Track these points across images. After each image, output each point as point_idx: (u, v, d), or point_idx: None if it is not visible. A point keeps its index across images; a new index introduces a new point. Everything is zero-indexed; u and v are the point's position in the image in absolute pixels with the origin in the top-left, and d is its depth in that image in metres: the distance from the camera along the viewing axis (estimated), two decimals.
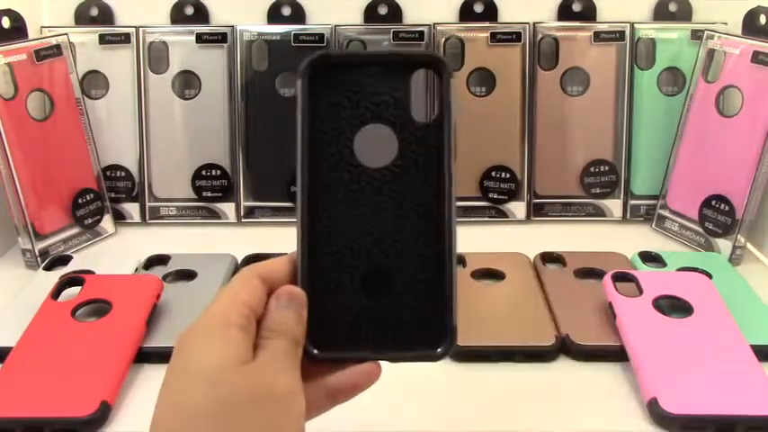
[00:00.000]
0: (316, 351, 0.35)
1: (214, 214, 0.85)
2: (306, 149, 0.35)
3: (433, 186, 0.35)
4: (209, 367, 0.31)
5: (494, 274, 0.68)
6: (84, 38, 0.82)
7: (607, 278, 0.62)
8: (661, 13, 0.86)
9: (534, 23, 0.82)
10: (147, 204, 0.84)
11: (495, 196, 0.83)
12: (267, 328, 0.34)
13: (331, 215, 0.35)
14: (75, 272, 0.68)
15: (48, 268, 0.71)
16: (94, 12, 0.87)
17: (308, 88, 0.35)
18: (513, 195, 0.83)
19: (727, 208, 0.73)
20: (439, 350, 0.34)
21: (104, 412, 0.50)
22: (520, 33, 0.82)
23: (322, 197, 0.35)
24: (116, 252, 0.78)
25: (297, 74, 0.35)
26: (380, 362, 0.36)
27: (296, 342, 0.34)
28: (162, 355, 0.57)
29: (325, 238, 0.35)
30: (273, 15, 0.86)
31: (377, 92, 0.35)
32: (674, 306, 0.59)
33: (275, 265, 0.36)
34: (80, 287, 0.63)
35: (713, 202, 0.75)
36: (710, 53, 0.76)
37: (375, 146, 0.35)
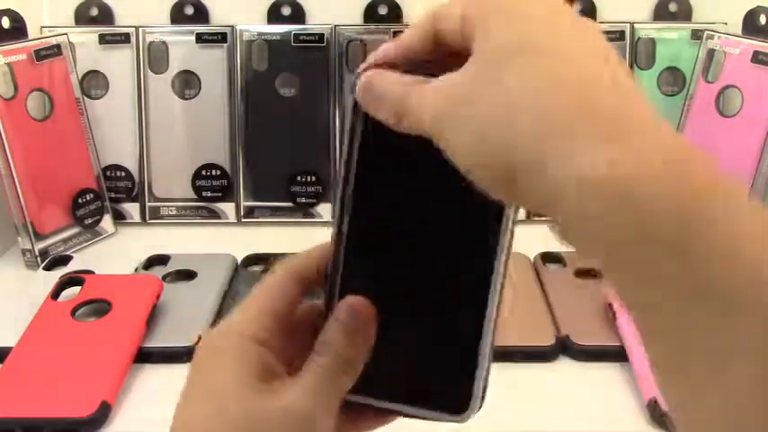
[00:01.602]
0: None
1: (214, 214, 0.85)
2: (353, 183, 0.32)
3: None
4: (219, 388, 0.29)
5: None
6: (84, 38, 0.82)
7: None
8: (661, 14, 0.85)
9: None
10: (147, 204, 0.84)
11: None
12: (317, 343, 0.30)
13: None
14: (75, 272, 0.68)
15: (48, 268, 0.71)
16: (94, 12, 0.87)
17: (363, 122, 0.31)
18: None
19: None
20: (464, 414, 0.32)
21: (104, 412, 0.50)
22: None
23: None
24: (116, 252, 0.78)
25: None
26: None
27: (346, 363, 0.30)
28: (162, 355, 0.57)
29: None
30: (273, 15, 0.86)
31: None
32: None
33: (311, 259, 0.32)
34: (80, 287, 0.63)
35: None
36: (710, 53, 0.76)
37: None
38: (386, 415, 0.33)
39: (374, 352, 0.32)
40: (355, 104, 0.31)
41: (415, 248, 0.32)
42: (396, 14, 0.86)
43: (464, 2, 0.27)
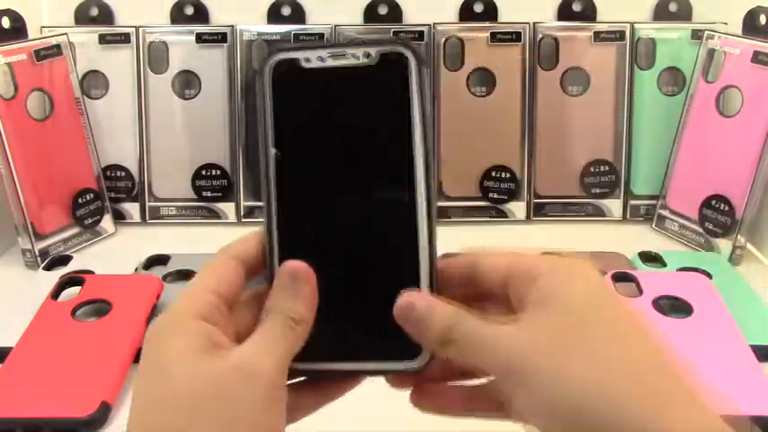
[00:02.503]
0: (292, 363, 0.32)
1: (214, 214, 0.85)
2: (271, 145, 0.33)
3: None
4: (163, 360, 0.30)
5: None
6: (84, 38, 0.82)
7: (607, 278, 0.62)
8: (661, 13, 0.85)
9: (534, 23, 0.82)
10: (147, 204, 0.84)
11: (496, 196, 0.83)
12: (263, 311, 0.32)
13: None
14: (75, 272, 0.68)
15: (48, 268, 0.71)
16: (94, 12, 0.87)
17: (271, 85, 0.33)
18: (514, 195, 0.83)
19: (727, 208, 0.73)
20: (420, 357, 0.32)
21: (104, 412, 0.50)
22: (520, 33, 0.81)
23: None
24: (116, 252, 0.78)
25: (259, 72, 0.33)
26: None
27: (294, 321, 0.31)
28: None
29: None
30: (273, 15, 0.86)
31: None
32: (674, 306, 0.59)
33: (253, 244, 0.34)
34: (80, 287, 0.63)
35: (713, 202, 0.75)
36: (711, 53, 0.76)
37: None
38: (348, 379, 0.34)
39: (321, 316, 0.32)
40: (260, 77, 0.33)
41: (339, 203, 0.33)
42: (396, 14, 0.86)
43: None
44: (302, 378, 0.34)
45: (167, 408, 0.29)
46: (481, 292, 0.33)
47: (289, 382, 0.32)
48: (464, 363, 0.31)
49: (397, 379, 0.34)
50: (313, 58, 0.33)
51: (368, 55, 0.33)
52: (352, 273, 0.33)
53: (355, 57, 0.33)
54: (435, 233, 0.33)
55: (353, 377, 0.34)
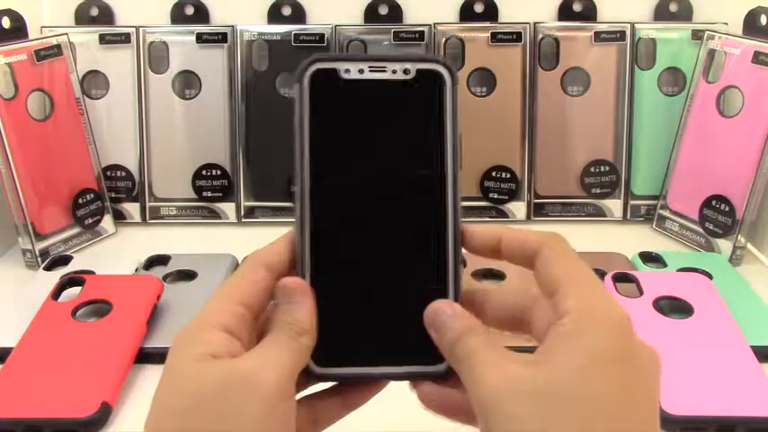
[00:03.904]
0: (317, 368, 0.33)
1: (214, 214, 0.85)
2: (307, 153, 0.34)
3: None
4: (176, 369, 0.30)
5: (494, 275, 0.68)
6: (85, 38, 0.82)
7: (607, 279, 0.62)
8: (661, 14, 0.85)
9: (535, 23, 0.82)
10: (148, 204, 0.84)
11: (496, 196, 0.83)
12: (271, 321, 0.33)
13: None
14: (75, 272, 0.68)
15: (48, 268, 0.71)
16: (94, 12, 0.87)
17: (309, 93, 0.34)
18: (514, 195, 0.83)
19: (727, 208, 0.73)
20: (440, 367, 0.33)
21: (105, 413, 0.50)
22: (520, 33, 0.81)
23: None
24: (116, 252, 0.78)
25: (295, 77, 0.34)
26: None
27: (297, 333, 0.32)
28: (163, 356, 0.56)
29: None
30: (273, 15, 0.86)
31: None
32: (674, 307, 0.59)
33: (280, 247, 0.34)
34: (80, 287, 0.63)
35: (713, 203, 0.75)
36: (711, 53, 0.76)
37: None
38: (371, 385, 0.35)
39: (348, 320, 0.33)
40: (299, 84, 0.33)
41: (372, 213, 0.34)
42: (396, 14, 0.86)
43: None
44: (325, 385, 0.34)
45: (170, 414, 0.29)
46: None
47: (308, 389, 0.33)
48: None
49: (421, 384, 0.34)
50: (353, 70, 0.34)
51: (406, 71, 0.34)
52: (382, 280, 0.34)
53: (394, 71, 0.34)
54: (461, 246, 0.34)
55: (378, 382, 0.34)
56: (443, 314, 0.32)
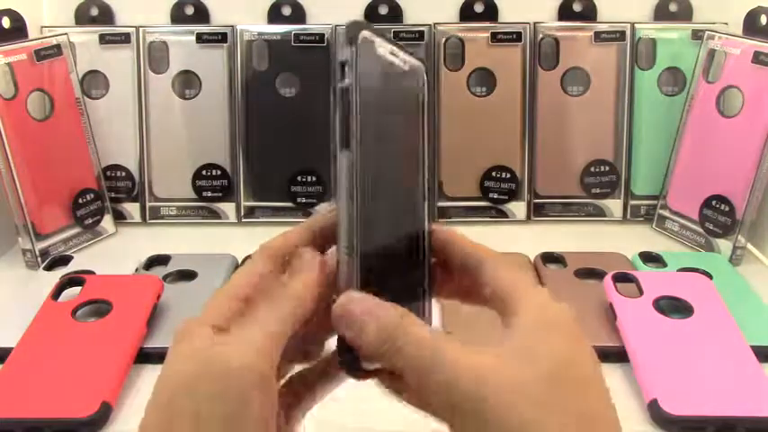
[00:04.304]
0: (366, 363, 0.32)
1: (214, 214, 0.85)
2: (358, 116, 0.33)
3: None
4: (164, 367, 0.31)
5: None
6: (85, 38, 0.82)
7: (608, 279, 0.62)
8: (661, 13, 0.85)
9: (535, 23, 0.82)
10: (148, 204, 0.84)
11: (496, 196, 0.83)
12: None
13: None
14: (75, 272, 0.68)
15: (48, 268, 0.71)
16: (94, 12, 0.87)
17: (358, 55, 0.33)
18: (514, 195, 0.83)
19: (727, 208, 0.73)
20: None
21: (105, 413, 0.50)
22: (520, 33, 0.81)
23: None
24: (116, 252, 0.78)
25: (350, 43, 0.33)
26: None
27: (286, 301, 0.32)
28: (163, 356, 0.56)
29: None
30: (273, 15, 0.86)
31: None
32: (674, 307, 0.59)
33: (291, 240, 0.35)
34: (80, 287, 0.63)
35: (713, 203, 0.75)
36: (711, 53, 0.76)
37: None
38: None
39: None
40: (356, 46, 0.33)
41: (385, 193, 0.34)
42: (396, 14, 0.86)
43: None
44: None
45: (154, 406, 0.30)
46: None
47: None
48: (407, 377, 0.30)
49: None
50: (384, 49, 0.34)
51: (405, 62, 0.36)
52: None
53: (402, 60, 0.35)
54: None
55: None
56: (362, 303, 0.31)
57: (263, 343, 0.30)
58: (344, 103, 0.32)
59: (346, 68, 0.32)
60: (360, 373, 0.32)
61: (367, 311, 0.30)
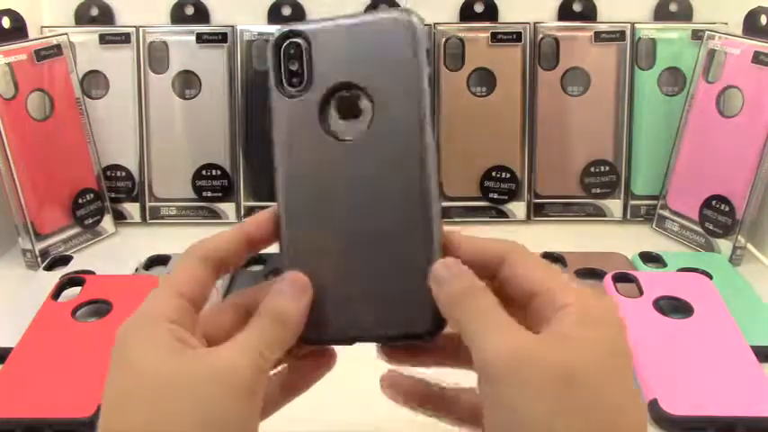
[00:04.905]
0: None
1: (214, 214, 0.85)
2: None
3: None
4: (133, 359, 0.30)
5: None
6: (85, 38, 0.82)
7: (607, 279, 0.62)
8: (661, 13, 0.85)
9: (535, 23, 0.82)
10: (148, 204, 0.84)
11: (496, 196, 0.83)
12: (257, 309, 0.33)
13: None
14: (75, 272, 0.68)
15: (48, 268, 0.71)
16: (94, 12, 0.87)
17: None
18: (514, 195, 0.83)
19: (727, 208, 0.73)
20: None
21: None
22: (520, 33, 0.81)
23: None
24: (116, 252, 0.78)
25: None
26: (337, 353, 0.36)
27: (282, 324, 0.32)
28: None
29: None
30: (273, 15, 0.86)
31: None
32: (674, 307, 0.59)
33: (221, 242, 0.35)
34: (80, 287, 0.63)
35: (713, 203, 0.75)
36: (711, 53, 0.76)
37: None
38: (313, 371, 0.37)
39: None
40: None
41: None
42: None
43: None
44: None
45: (140, 403, 0.29)
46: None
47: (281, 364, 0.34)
48: (462, 336, 0.31)
49: (392, 350, 0.36)
50: None
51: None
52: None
53: None
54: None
55: (354, 342, 0.35)
56: (449, 270, 0.32)
57: (264, 350, 0.31)
58: (431, 90, 0.33)
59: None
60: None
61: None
